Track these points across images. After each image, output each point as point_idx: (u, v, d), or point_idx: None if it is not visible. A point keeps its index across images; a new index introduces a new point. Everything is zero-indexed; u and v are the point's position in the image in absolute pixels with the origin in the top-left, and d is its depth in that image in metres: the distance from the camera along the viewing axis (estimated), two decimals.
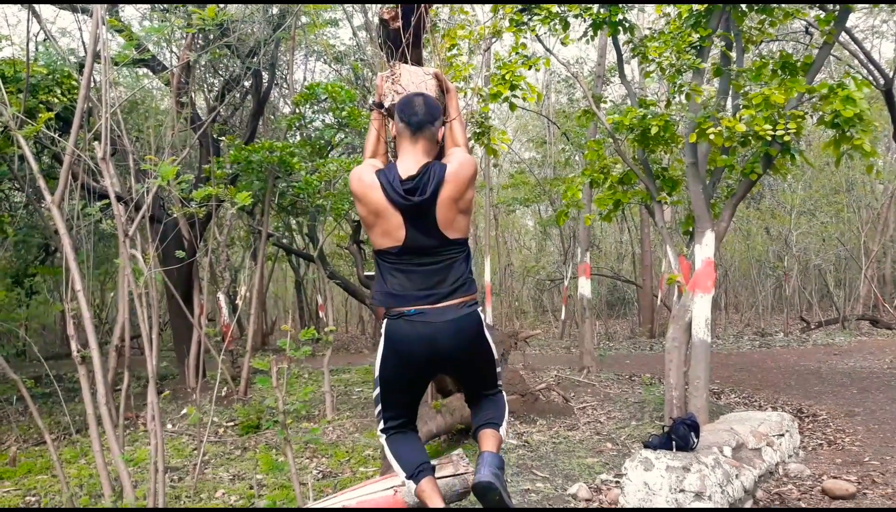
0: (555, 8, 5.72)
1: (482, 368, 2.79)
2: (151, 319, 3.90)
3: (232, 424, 7.04)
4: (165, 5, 7.99)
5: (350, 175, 2.68)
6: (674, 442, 3.86)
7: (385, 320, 2.67)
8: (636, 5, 9.61)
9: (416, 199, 2.51)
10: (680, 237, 10.33)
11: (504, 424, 2.82)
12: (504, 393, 2.95)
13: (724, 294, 19.54)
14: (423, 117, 2.61)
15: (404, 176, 2.54)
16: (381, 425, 2.78)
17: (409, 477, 2.67)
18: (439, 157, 2.70)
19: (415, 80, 2.75)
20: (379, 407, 2.76)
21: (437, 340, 2.58)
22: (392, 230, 2.56)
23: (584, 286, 10.62)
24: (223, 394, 8.25)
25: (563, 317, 17.46)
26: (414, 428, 2.86)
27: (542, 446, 5.73)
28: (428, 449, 5.27)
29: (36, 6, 8.86)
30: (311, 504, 3.35)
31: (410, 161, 2.59)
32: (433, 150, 2.67)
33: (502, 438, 2.80)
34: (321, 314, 16.78)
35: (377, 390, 2.76)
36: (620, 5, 6.16)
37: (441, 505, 2.61)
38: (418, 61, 3.22)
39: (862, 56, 8.27)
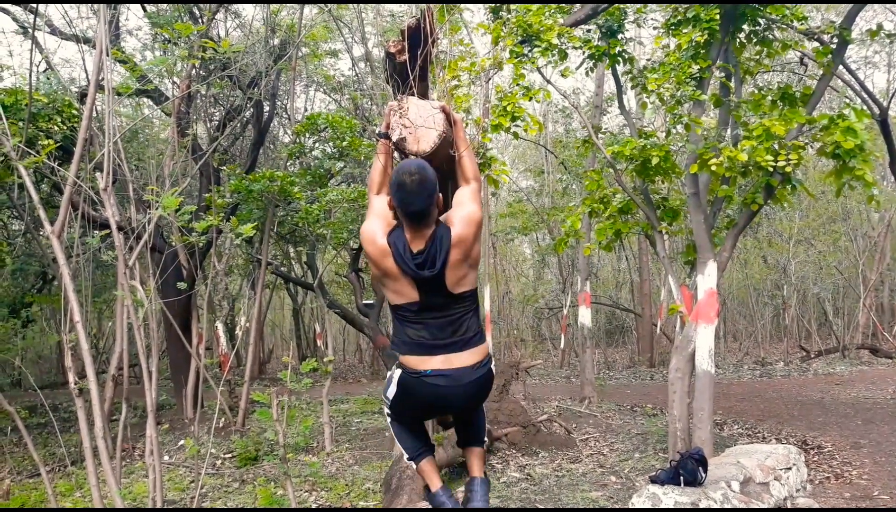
0: (554, 40, 5.77)
1: (480, 403, 3.04)
2: (151, 350, 3.86)
3: (230, 455, 6.94)
4: (167, 36, 8.04)
5: (362, 233, 2.75)
6: (682, 477, 3.80)
7: (399, 371, 2.78)
8: (634, 39, 9.71)
9: (426, 273, 2.61)
10: (680, 266, 10.32)
11: (484, 436, 3.11)
12: (483, 407, 3.17)
13: (723, 323, 19.48)
14: (421, 207, 2.61)
15: (414, 249, 2.62)
16: (388, 412, 2.99)
17: (410, 458, 2.99)
18: (444, 191, 2.74)
19: (422, 113, 2.75)
20: (387, 407, 2.97)
21: (452, 399, 2.77)
22: (405, 292, 2.68)
23: (585, 315, 10.58)
24: (221, 425, 8.14)
25: (562, 346, 17.37)
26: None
27: (544, 479, 5.65)
28: None
29: (39, 37, 8.95)
30: None
31: (416, 233, 2.65)
32: (436, 216, 2.70)
33: (484, 453, 3.12)
34: (319, 343, 16.68)
35: (389, 416, 3.00)
36: (618, 37, 6.23)
37: (439, 484, 2.94)
38: (424, 94, 3.23)
39: (857, 86, 8.35)
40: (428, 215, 2.63)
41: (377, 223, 2.72)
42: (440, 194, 2.70)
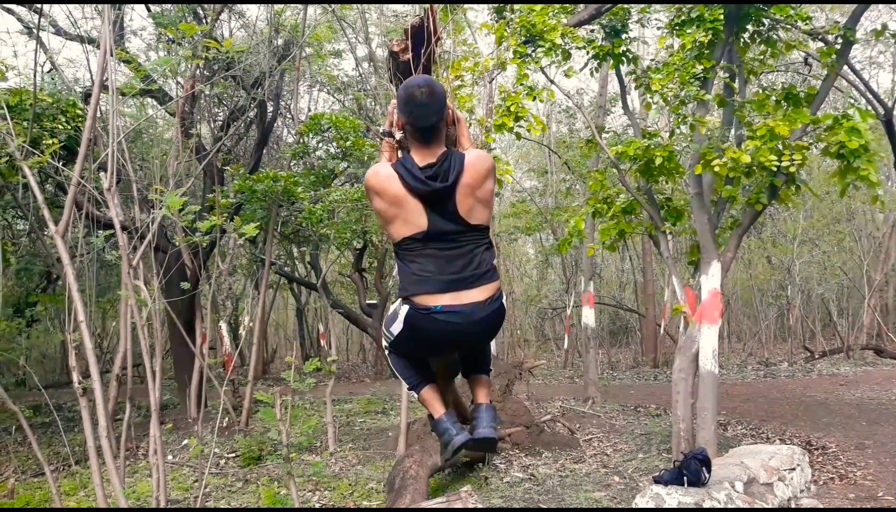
0: (558, 40, 5.77)
1: (490, 339, 2.91)
2: (155, 349, 3.86)
3: (233, 455, 6.95)
4: (171, 36, 8.06)
5: (367, 177, 2.63)
6: (685, 477, 3.79)
7: (406, 307, 2.61)
8: (637, 39, 9.70)
9: (437, 184, 2.48)
10: (684, 266, 10.30)
11: (490, 365, 2.96)
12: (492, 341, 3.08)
13: (727, 323, 19.44)
14: (432, 121, 2.51)
15: (422, 164, 2.51)
16: (387, 345, 2.84)
17: (411, 388, 2.85)
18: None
19: None
20: (388, 342, 2.81)
21: (463, 336, 2.63)
22: (413, 218, 2.52)
23: (588, 316, 10.57)
24: (225, 424, 8.15)
25: (565, 346, 17.35)
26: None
27: (548, 480, 5.64)
28: (433, 483, 5.19)
29: (43, 37, 8.97)
30: None
31: (426, 151, 2.55)
32: (445, 135, 2.63)
33: (490, 381, 2.96)
34: (322, 342, 16.70)
35: (388, 349, 2.83)
36: (622, 37, 6.22)
37: (441, 411, 2.75)
38: None
39: (861, 86, 8.33)
40: (439, 131, 2.55)
41: (380, 163, 2.65)
42: (450, 109, 2.63)
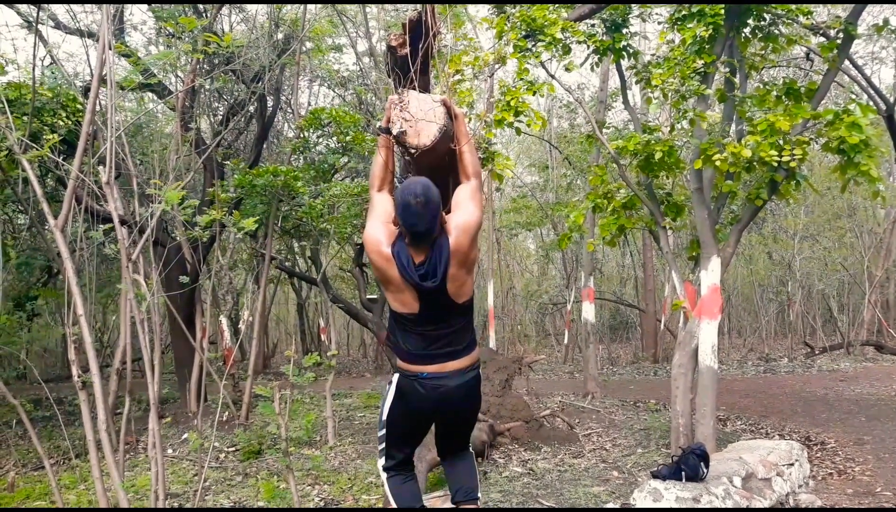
0: (558, 34, 5.75)
1: (469, 423, 3.16)
2: (154, 344, 3.87)
3: (233, 449, 6.96)
4: (172, 31, 8.04)
5: (366, 238, 2.81)
6: (683, 472, 3.80)
7: (397, 376, 2.94)
8: (638, 34, 9.67)
9: (429, 284, 2.68)
10: (684, 262, 10.29)
11: (479, 488, 3.17)
12: (472, 451, 3.29)
13: (728, 319, 19.44)
14: (425, 228, 2.66)
15: (416, 260, 2.69)
16: (383, 462, 3.08)
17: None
18: (445, 185, 2.75)
19: (423, 107, 2.74)
20: (383, 445, 3.06)
21: (446, 402, 2.87)
22: (407, 300, 2.75)
23: (588, 311, 10.57)
24: (224, 418, 8.17)
25: (566, 341, 17.36)
26: (412, 467, 3.17)
27: (547, 474, 5.65)
28: (432, 478, 5.20)
29: (42, 31, 8.95)
30: None
31: (418, 249, 2.71)
32: (438, 233, 2.74)
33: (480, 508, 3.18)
34: (323, 337, 16.71)
35: (383, 431, 3.04)
36: (623, 32, 6.20)
37: None
38: (426, 88, 3.22)
39: (863, 81, 8.30)
40: (431, 235, 2.69)
41: (381, 230, 2.76)
42: (444, 213, 2.76)
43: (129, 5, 9.77)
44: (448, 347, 2.82)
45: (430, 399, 2.84)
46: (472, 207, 2.78)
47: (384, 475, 3.10)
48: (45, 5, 8.44)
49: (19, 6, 8.96)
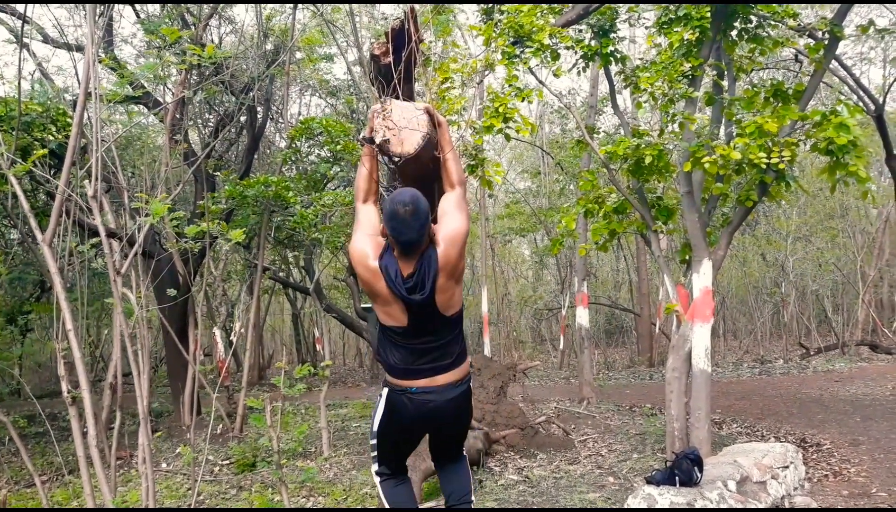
0: (546, 40, 5.76)
1: (461, 434, 3.15)
2: (142, 358, 3.84)
3: (227, 462, 6.91)
4: (159, 42, 8.03)
5: (352, 251, 2.77)
6: (677, 477, 3.78)
7: (387, 390, 2.90)
8: (626, 39, 9.70)
9: (417, 297, 2.64)
10: (677, 265, 10.30)
11: (473, 493, 3.15)
12: (467, 456, 3.27)
13: (722, 321, 19.46)
14: (413, 237, 2.62)
15: (404, 273, 2.65)
16: (376, 467, 3.06)
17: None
18: (431, 195, 2.75)
19: (406, 115, 2.73)
20: (374, 453, 3.04)
21: (437, 416, 2.84)
22: (395, 313, 2.72)
23: (582, 316, 10.56)
24: (218, 431, 8.11)
25: (561, 347, 17.34)
26: (405, 471, 3.13)
27: (542, 481, 5.62)
28: (427, 487, 5.17)
29: (30, 45, 8.93)
30: None
31: (407, 260, 2.68)
32: (427, 243, 2.71)
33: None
34: (318, 347, 16.66)
35: (374, 441, 3.02)
36: (611, 36, 6.21)
37: None
38: (410, 96, 3.21)
39: (852, 82, 8.35)
40: (419, 245, 2.66)
41: (367, 242, 2.73)
42: (432, 223, 2.73)
43: (119, 18, 9.76)
44: (437, 361, 2.79)
45: (419, 414, 2.82)
46: (459, 217, 2.76)
47: (377, 479, 3.09)
48: (33, 20, 8.43)
49: (6, 20, 8.94)
